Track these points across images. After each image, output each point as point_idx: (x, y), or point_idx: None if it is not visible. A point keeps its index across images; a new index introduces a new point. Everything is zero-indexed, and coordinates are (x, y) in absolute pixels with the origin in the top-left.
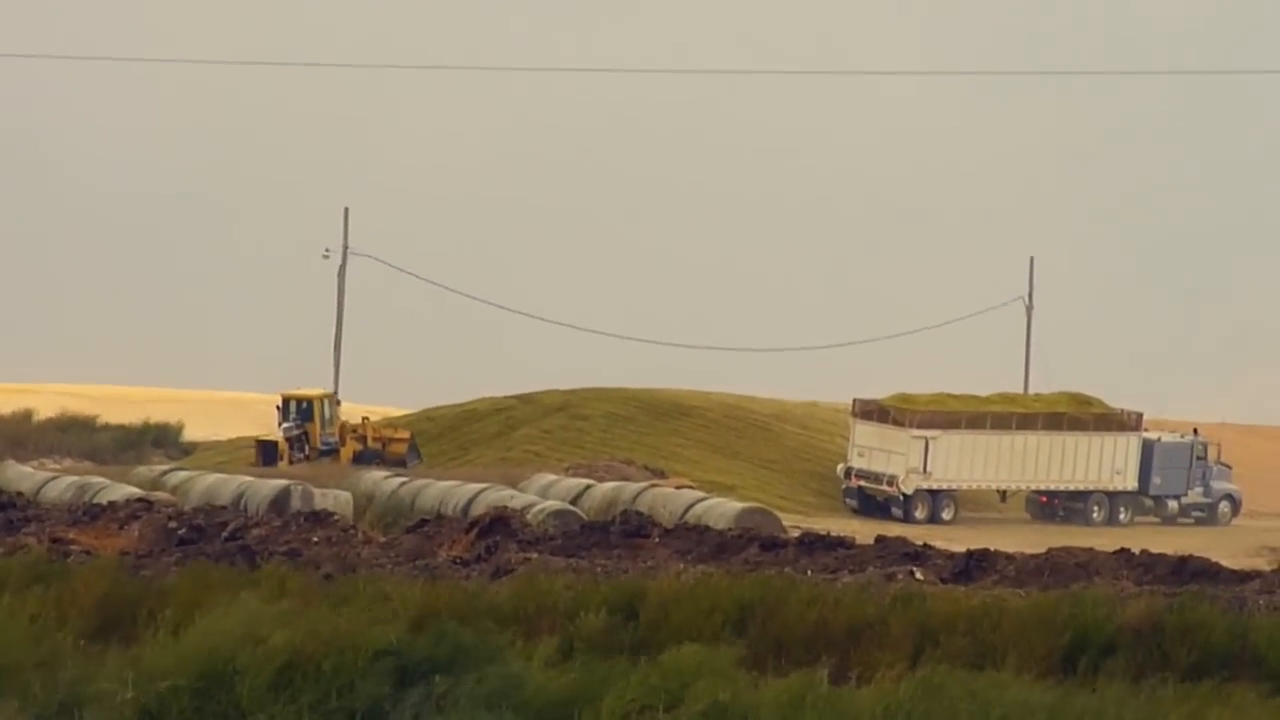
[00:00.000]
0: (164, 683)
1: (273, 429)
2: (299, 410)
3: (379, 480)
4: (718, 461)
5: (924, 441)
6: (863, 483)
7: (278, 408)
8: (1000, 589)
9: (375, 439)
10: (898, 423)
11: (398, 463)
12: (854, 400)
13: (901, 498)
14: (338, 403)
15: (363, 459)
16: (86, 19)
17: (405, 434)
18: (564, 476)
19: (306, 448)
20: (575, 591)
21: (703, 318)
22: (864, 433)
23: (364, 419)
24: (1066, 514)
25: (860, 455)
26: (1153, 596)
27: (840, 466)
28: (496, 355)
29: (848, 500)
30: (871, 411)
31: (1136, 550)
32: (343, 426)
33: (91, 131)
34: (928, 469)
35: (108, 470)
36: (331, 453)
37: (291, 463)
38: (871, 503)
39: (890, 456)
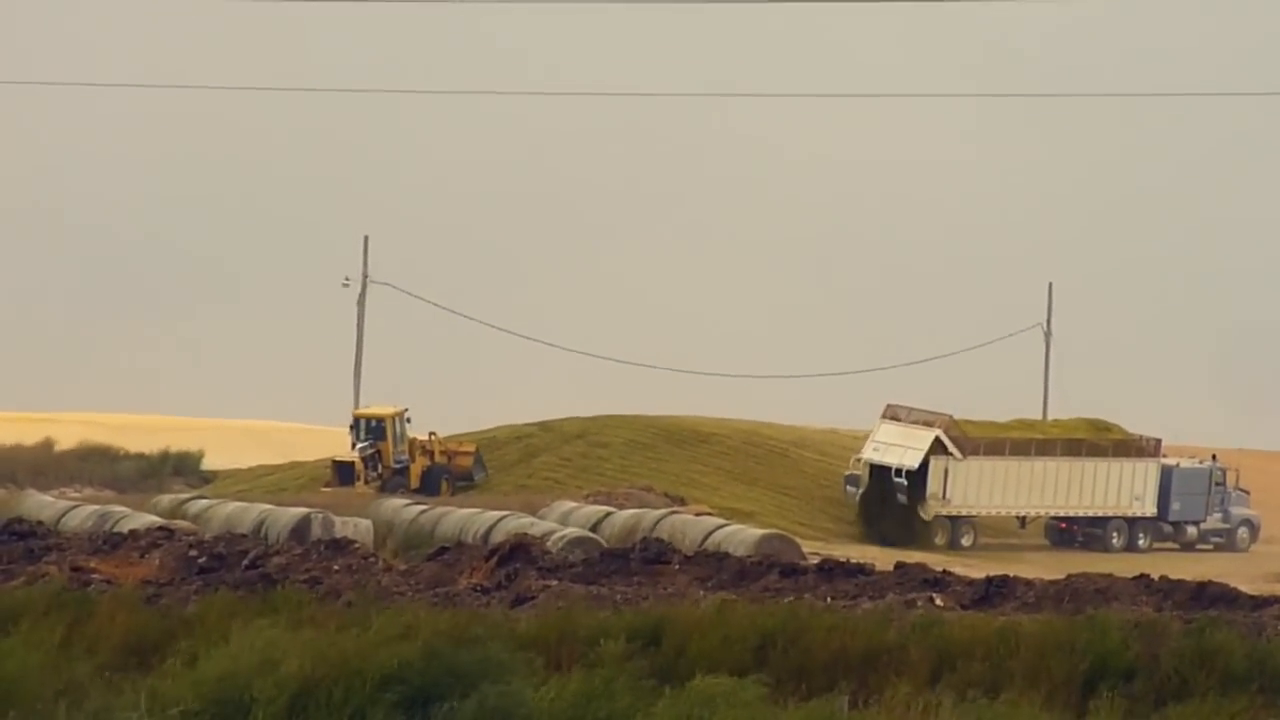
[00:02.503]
0: (179, 709)
1: (294, 454)
2: (369, 429)
3: (399, 508)
4: (737, 488)
5: (941, 443)
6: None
7: (350, 428)
8: (1020, 615)
9: (442, 454)
10: (926, 424)
11: (464, 476)
12: (887, 405)
13: (905, 478)
14: (408, 420)
15: (432, 474)
16: (97, 46)
17: (471, 447)
18: (584, 504)
19: (380, 466)
20: (597, 619)
21: (722, 345)
22: (887, 431)
23: (431, 434)
24: (1085, 540)
25: (875, 450)
26: (1171, 622)
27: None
28: (516, 383)
29: (849, 488)
30: (900, 415)
31: (1155, 576)
32: (411, 443)
33: (108, 160)
34: (947, 495)
35: (128, 499)
36: (403, 471)
37: (367, 482)
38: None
39: (906, 451)
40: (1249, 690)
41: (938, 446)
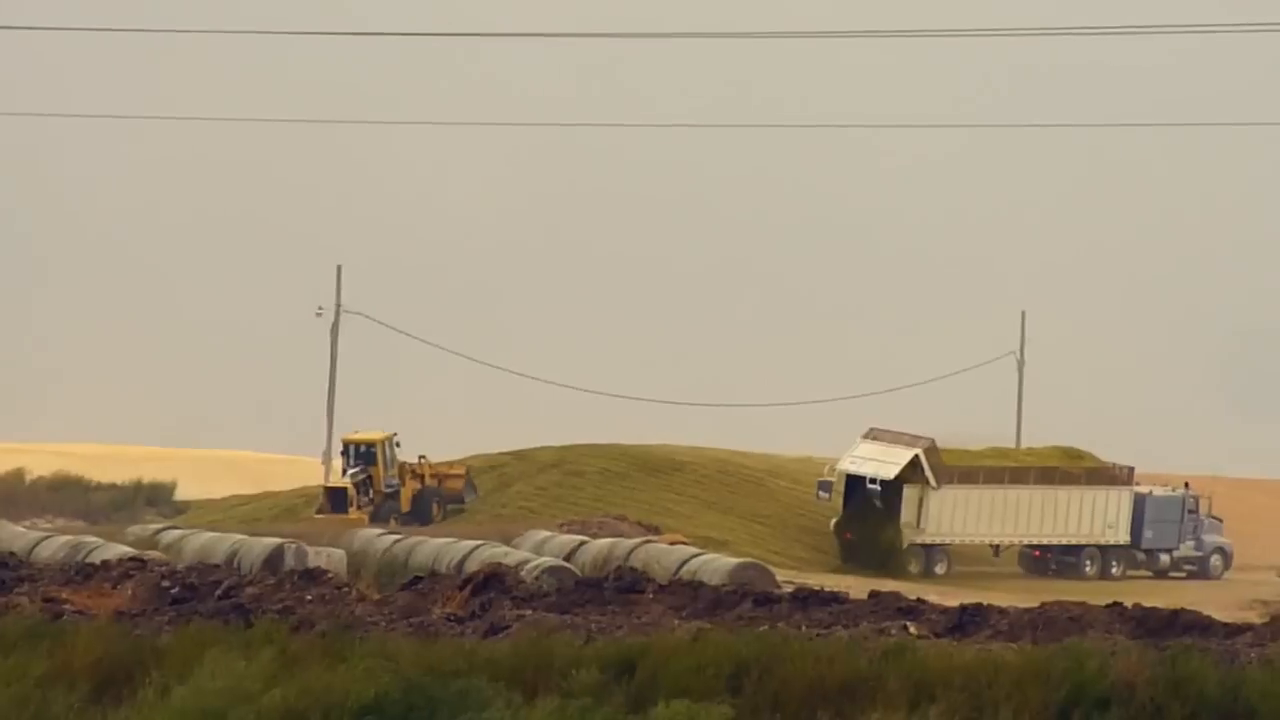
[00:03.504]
0: None
1: (267, 484)
2: (359, 454)
3: (373, 538)
4: (711, 517)
5: (919, 465)
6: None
7: (341, 453)
8: (994, 643)
9: (432, 477)
10: (908, 445)
11: (455, 499)
12: (870, 428)
13: (879, 485)
14: (398, 444)
15: (423, 498)
16: (74, 76)
17: (461, 470)
18: (558, 533)
19: (371, 491)
20: (573, 649)
21: (695, 374)
22: (866, 448)
23: (421, 458)
24: (1059, 568)
25: (852, 463)
26: (1145, 650)
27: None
28: (489, 412)
29: (821, 493)
30: (882, 437)
31: (1129, 604)
32: (401, 467)
33: (82, 190)
34: (922, 524)
35: (101, 529)
36: (395, 495)
37: (359, 508)
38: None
39: (882, 465)
40: (1223, 718)
41: (915, 467)
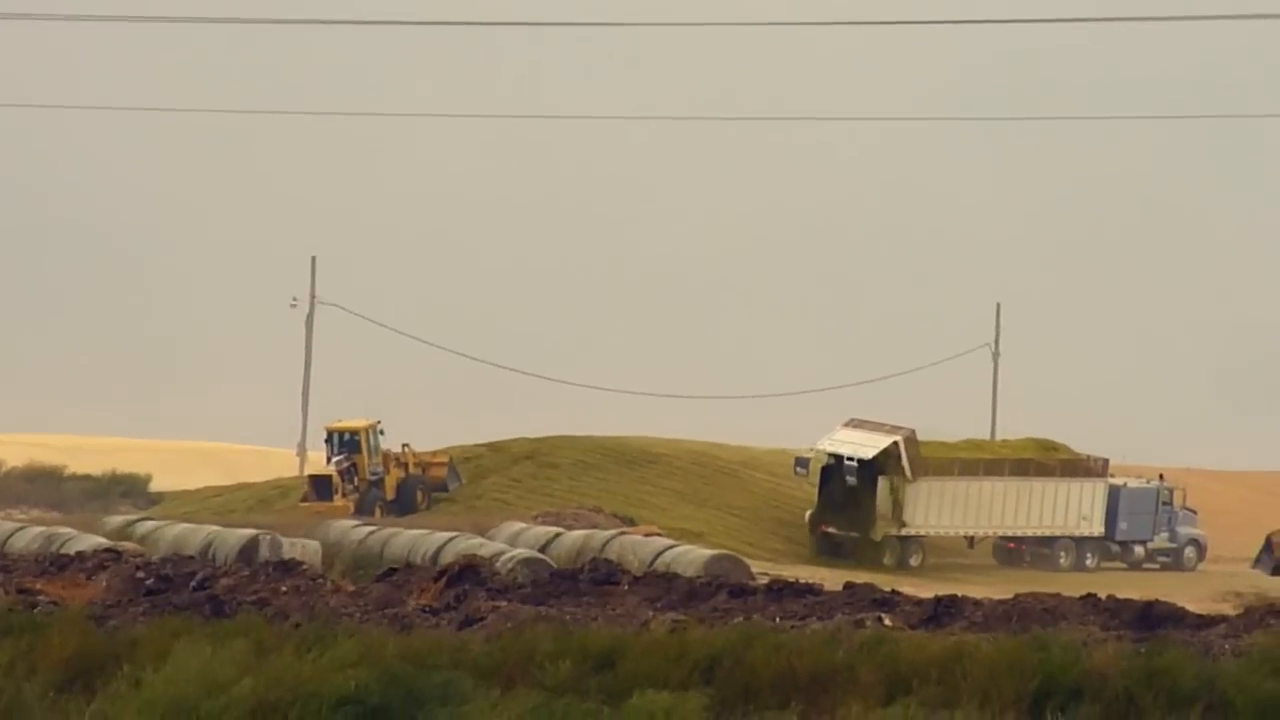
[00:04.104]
0: None
1: (242, 475)
2: (343, 442)
3: (347, 529)
4: (686, 509)
5: (897, 453)
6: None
7: (325, 441)
8: (968, 634)
9: (416, 465)
10: (889, 434)
11: (439, 486)
12: (850, 418)
13: (857, 463)
14: (381, 432)
15: (407, 486)
16: (47, 67)
17: (444, 458)
18: (533, 524)
19: (355, 479)
20: (552, 641)
21: (670, 366)
22: (846, 434)
23: (404, 446)
24: (1033, 559)
25: (831, 444)
26: (1119, 642)
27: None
28: (464, 404)
29: (798, 469)
30: (862, 426)
31: (1103, 595)
32: (385, 455)
33: (56, 180)
34: (896, 516)
35: (75, 520)
36: (379, 483)
37: (345, 495)
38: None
39: (860, 448)
40: (1196, 709)
41: (893, 456)
